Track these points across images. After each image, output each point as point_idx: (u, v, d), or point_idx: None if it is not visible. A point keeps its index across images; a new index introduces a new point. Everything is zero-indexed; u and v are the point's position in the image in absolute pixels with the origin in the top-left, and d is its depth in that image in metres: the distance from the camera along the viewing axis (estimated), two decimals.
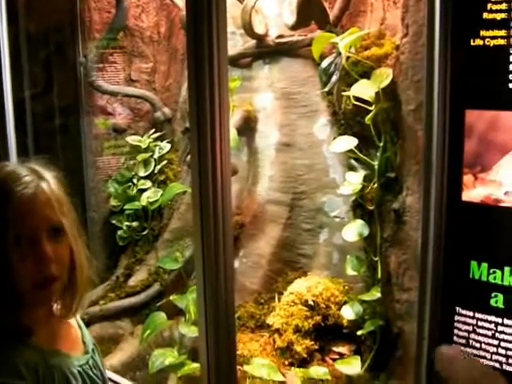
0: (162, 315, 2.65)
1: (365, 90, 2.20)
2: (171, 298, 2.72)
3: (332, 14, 2.66)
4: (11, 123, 2.82)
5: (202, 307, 1.72)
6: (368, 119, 2.23)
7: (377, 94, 2.19)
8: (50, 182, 1.32)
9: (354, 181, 2.44)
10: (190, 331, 2.51)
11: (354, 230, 2.40)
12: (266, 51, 2.90)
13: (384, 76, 2.18)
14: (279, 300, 2.69)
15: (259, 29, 2.82)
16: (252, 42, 2.92)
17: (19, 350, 1.25)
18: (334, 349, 2.53)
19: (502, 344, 1.49)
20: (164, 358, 2.47)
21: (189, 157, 3.14)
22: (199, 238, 1.67)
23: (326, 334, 2.56)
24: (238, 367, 2.28)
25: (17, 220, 1.24)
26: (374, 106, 2.22)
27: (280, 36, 2.85)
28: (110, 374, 2.44)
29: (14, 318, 1.28)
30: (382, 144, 2.30)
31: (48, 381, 1.26)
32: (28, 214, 1.26)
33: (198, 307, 1.76)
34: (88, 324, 3.03)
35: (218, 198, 1.62)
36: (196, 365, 2.36)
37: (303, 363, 2.49)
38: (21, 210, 1.25)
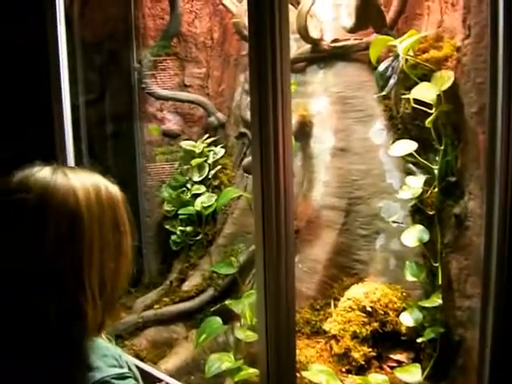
0: (218, 320, 2.64)
1: (426, 92, 2.16)
2: (227, 302, 2.73)
3: (388, 17, 2.63)
4: (69, 129, 2.86)
5: (262, 312, 1.72)
6: (429, 122, 2.19)
7: (438, 96, 2.15)
8: None
9: (414, 185, 2.40)
10: (246, 336, 2.51)
11: (413, 236, 2.36)
12: (321, 56, 2.89)
13: (445, 78, 2.15)
14: (335, 306, 2.67)
15: (314, 33, 2.81)
16: (306, 47, 2.90)
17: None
18: (392, 356, 2.50)
19: None
20: (221, 362, 2.46)
21: (244, 161, 3.17)
22: (261, 244, 1.66)
23: (384, 340, 2.52)
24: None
25: None
26: (434, 109, 2.18)
27: (335, 40, 2.83)
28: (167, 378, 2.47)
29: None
30: (442, 147, 2.26)
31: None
32: None
33: (258, 312, 1.75)
34: (143, 328, 3.10)
35: (281, 203, 1.61)
36: (253, 370, 2.36)
37: (360, 370, 2.46)
38: None
